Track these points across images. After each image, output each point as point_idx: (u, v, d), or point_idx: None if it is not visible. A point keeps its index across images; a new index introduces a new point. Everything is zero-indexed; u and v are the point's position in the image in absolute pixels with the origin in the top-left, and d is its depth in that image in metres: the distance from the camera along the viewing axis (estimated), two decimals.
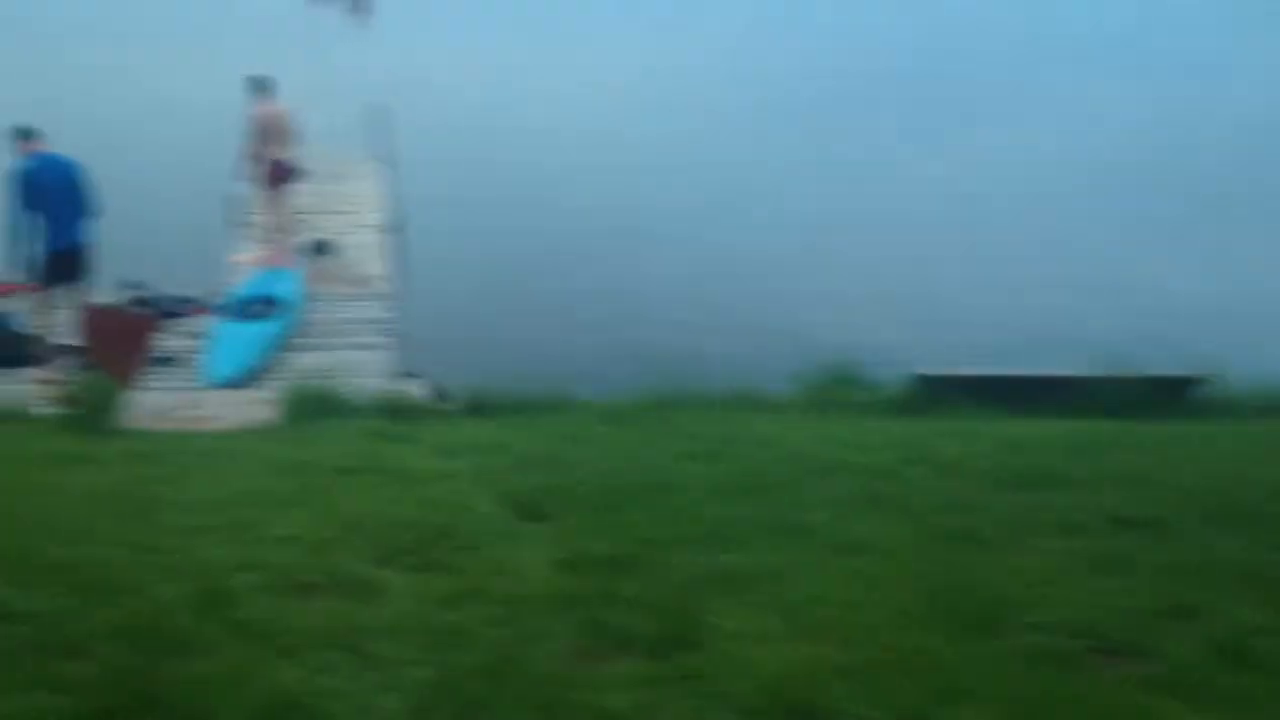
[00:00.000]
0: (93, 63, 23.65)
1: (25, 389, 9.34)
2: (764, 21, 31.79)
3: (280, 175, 12.75)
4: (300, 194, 13.44)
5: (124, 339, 9.89)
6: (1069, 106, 23.59)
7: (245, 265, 12.52)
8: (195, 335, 10.87)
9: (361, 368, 10.01)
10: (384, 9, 30.83)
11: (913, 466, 6.71)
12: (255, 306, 11.01)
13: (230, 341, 10.39)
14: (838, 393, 8.77)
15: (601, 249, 15.61)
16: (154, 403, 8.99)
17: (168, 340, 10.67)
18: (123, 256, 11.88)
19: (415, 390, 9.27)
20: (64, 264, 9.76)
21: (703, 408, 8.26)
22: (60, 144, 10.07)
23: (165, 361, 10.32)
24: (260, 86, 12.57)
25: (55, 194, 9.61)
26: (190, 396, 9.39)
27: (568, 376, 9.09)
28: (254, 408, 8.79)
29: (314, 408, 8.24)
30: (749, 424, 7.79)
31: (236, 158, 12.80)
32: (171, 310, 11.39)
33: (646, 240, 15.89)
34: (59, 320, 10.04)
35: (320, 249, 13.06)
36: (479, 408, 8.48)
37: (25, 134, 9.74)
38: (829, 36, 30.75)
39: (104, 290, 11.00)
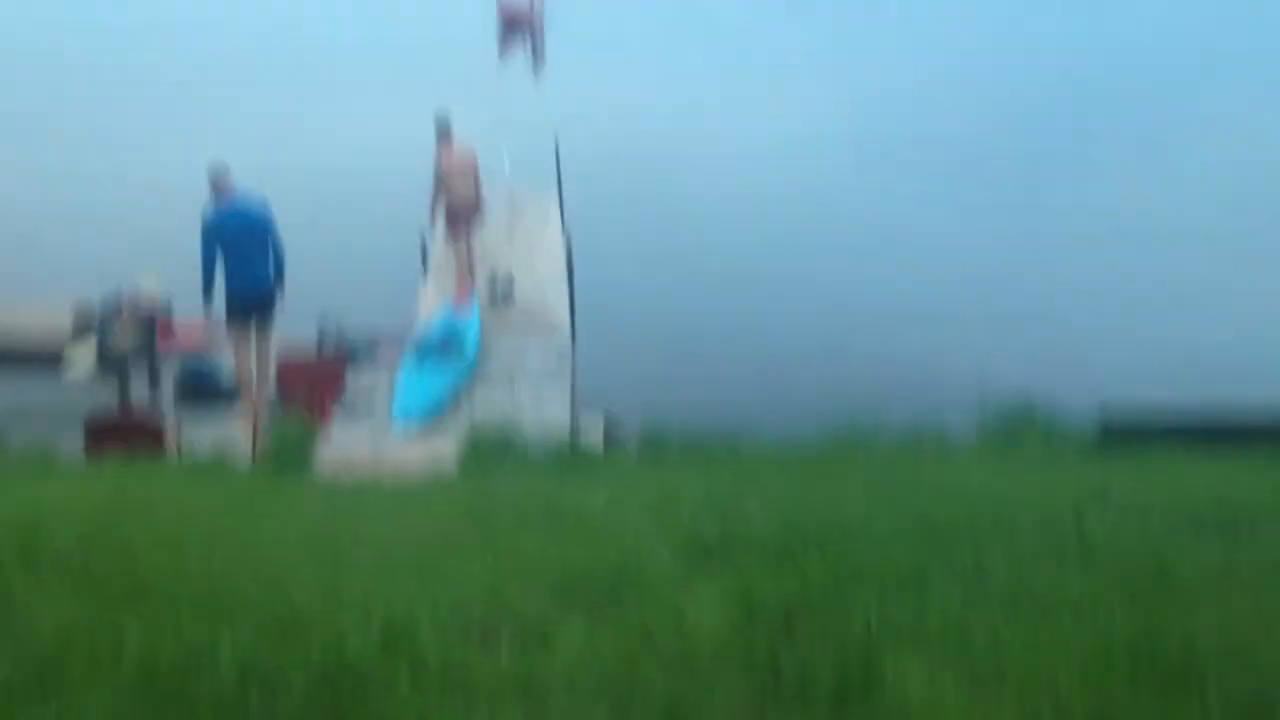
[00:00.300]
0: (286, 110, 24.70)
1: (220, 432, 9.76)
2: (937, 65, 31.32)
3: (463, 216, 13.13)
4: (482, 235, 13.84)
5: (315, 382, 10.27)
6: (1247, 131, 22.65)
7: (430, 307, 12.86)
8: (383, 378, 11.21)
9: (540, 408, 10.18)
10: (567, 52, 31.57)
11: (1099, 512, 6.46)
12: (440, 348, 11.30)
13: (415, 384, 10.68)
14: (1019, 435, 8.54)
15: (776, 288, 15.57)
16: (342, 445, 9.29)
17: (356, 383, 11.03)
18: (314, 301, 12.40)
19: (592, 431, 9.38)
20: (251, 306, 10.15)
21: (880, 450, 8.15)
22: (255, 188, 10.50)
23: (354, 404, 10.67)
24: (442, 128, 13.06)
25: (243, 238, 10.00)
26: (376, 438, 9.67)
27: (744, 416, 9.08)
28: (437, 449, 9.00)
29: (494, 450, 8.39)
30: (928, 468, 7.65)
31: (426, 201, 13.32)
32: (360, 353, 11.77)
33: (821, 279, 15.79)
34: (251, 364, 10.49)
35: (501, 290, 13.33)
36: (655, 449, 8.53)
37: (218, 173, 10.15)
38: (999, 69, 30.21)
39: (296, 334, 11.48)
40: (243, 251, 10.04)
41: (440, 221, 13.42)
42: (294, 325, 11.44)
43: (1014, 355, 12.98)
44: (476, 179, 13.18)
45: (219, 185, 10.11)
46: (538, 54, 31.59)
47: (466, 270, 13.28)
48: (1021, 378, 10.73)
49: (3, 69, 29.02)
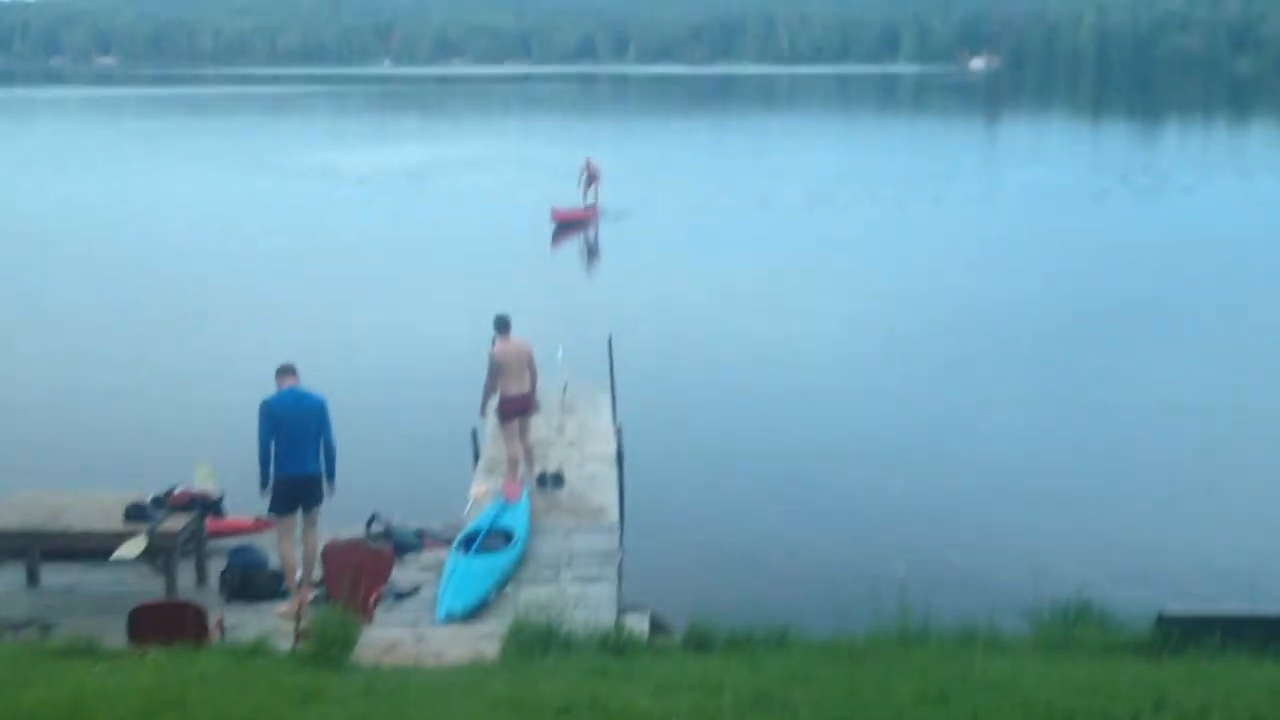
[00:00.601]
0: (340, 304, 25.47)
1: (265, 622, 9.77)
2: (983, 262, 31.95)
3: (516, 407, 13.31)
4: (534, 427, 14.01)
5: (362, 572, 10.25)
6: None
7: (479, 498, 12.93)
8: (429, 569, 11.22)
9: (586, 601, 10.13)
10: (621, 251, 32.54)
11: (1156, 715, 6.28)
12: (487, 540, 11.32)
13: (461, 575, 10.65)
14: (1074, 631, 8.35)
15: (822, 478, 15.57)
16: (387, 636, 9.24)
17: (403, 574, 11.04)
18: (362, 491, 12.55)
19: (637, 624, 9.29)
20: (300, 493, 10.51)
21: (931, 645, 8.00)
22: (312, 379, 10.90)
23: (399, 595, 10.66)
24: (501, 324, 13.35)
25: (297, 423, 10.40)
26: (421, 630, 9.61)
27: (792, 613, 8.99)
28: (480, 642, 8.94)
29: (538, 642, 8.32)
30: (980, 664, 7.47)
31: (480, 394, 13.50)
32: (407, 544, 11.80)
33: (869, 478, 15.75)
34: (296, 551, 10.61)
35: (550, 481, 13.41)
36: (701, 641, 8.45)
37: (285, 370, 10.62)
38: (1049, 261, 30.66)
39: (343, 523, 11.58)
40: (295, 436, 10.41)
41: (492, 414, 13.58)
42: (342, 514, 11.57)
43: (1069, 551, 12.78)
44: (532, 372, 13.39)
45: (283, 380, 10.55)
46: (591, 253, 32.67)
47: (517, 461, 13.41)
48: (1077, 574, 10.54)
49: (62, 260, 30.36)
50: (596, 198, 36.40)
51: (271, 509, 10.63)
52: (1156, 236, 34.31)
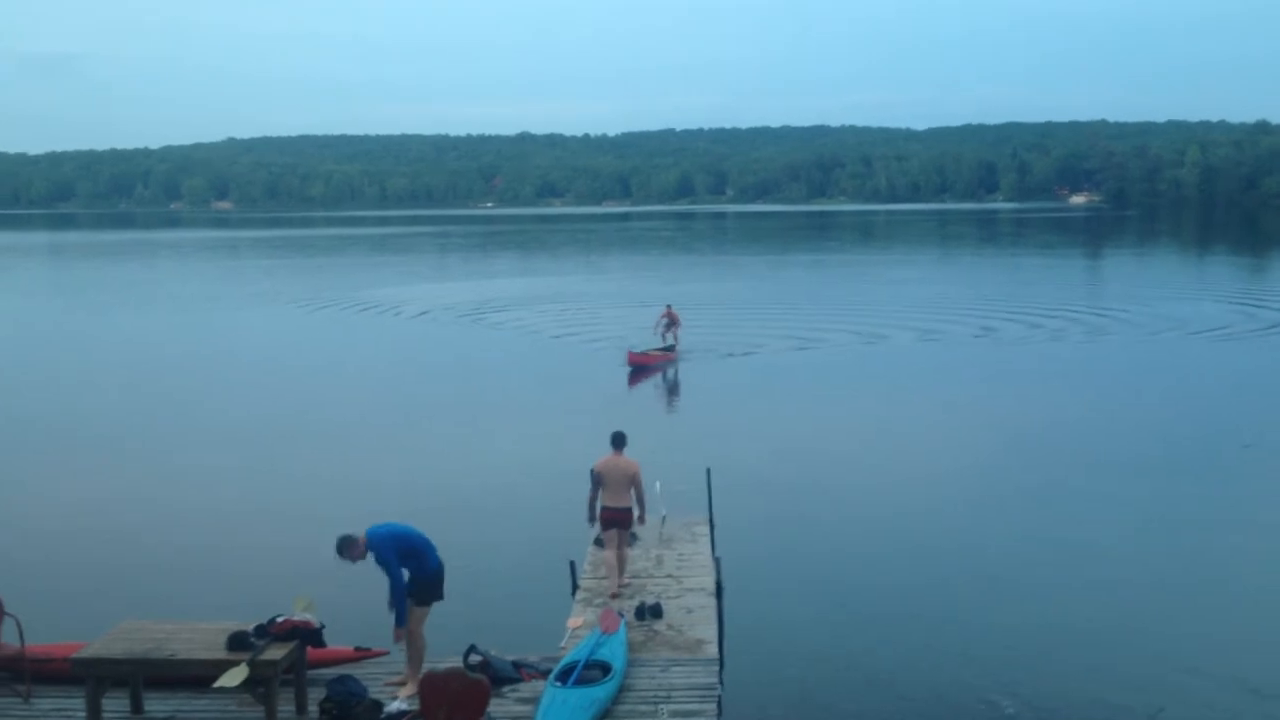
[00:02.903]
0: (436, 442, 25.88)
1: None
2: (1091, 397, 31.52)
3: (611, 518, 13.92)
4: (632, 556, 14.24)
5: (459, 703, 10.17)
6: None
7: (576, 630, 12.82)
8: (526, 701, 11.10)
9: None
10: (716, 384, 32.57)
11: None
12: (584, 672, 11.19)
13: (558, 708, 10.51)
14: None
15: (929, 613, 15.22)
16: None
17: (500, 705, 10.93)
18: (461, 620, 12.55)
19: None
20: (435, 585, 11.37)
21: None
22: (409, 512, 11.12)
23: None
24: (615, 440, 14.28)
25: (416, 541, 11.36)
26: None
27: None
28: None
29: None
30: None
31: (584, 512, 14.23)
32: (505, 675, 11.70)
33: (978, 603, 15.41)
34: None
35: (648, 612, 13.27)
36: None
37: (346, 543, 11.08)
38: (1156, 399, 30.10)
39: (441, 654, 11.56)
40: (419, 543, 11.35)
41: (592, 544, 13.76)
42: (439, 645, 11.56)
43: (1183, 678, 12.31)
44: (637, 489, 14.04)
45: (354, 553, 11.08)
46: (673, 389, 32.58)
47: (613, 566, 13.88)
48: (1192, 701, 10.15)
49: (155, 395, 31.18)
50: (677, 340, 36.65)
51: (418, 600, 11.34)
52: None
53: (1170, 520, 19.07)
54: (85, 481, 22.30)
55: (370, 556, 11.12)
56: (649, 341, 36.36)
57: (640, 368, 34.78)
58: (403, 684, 11.32)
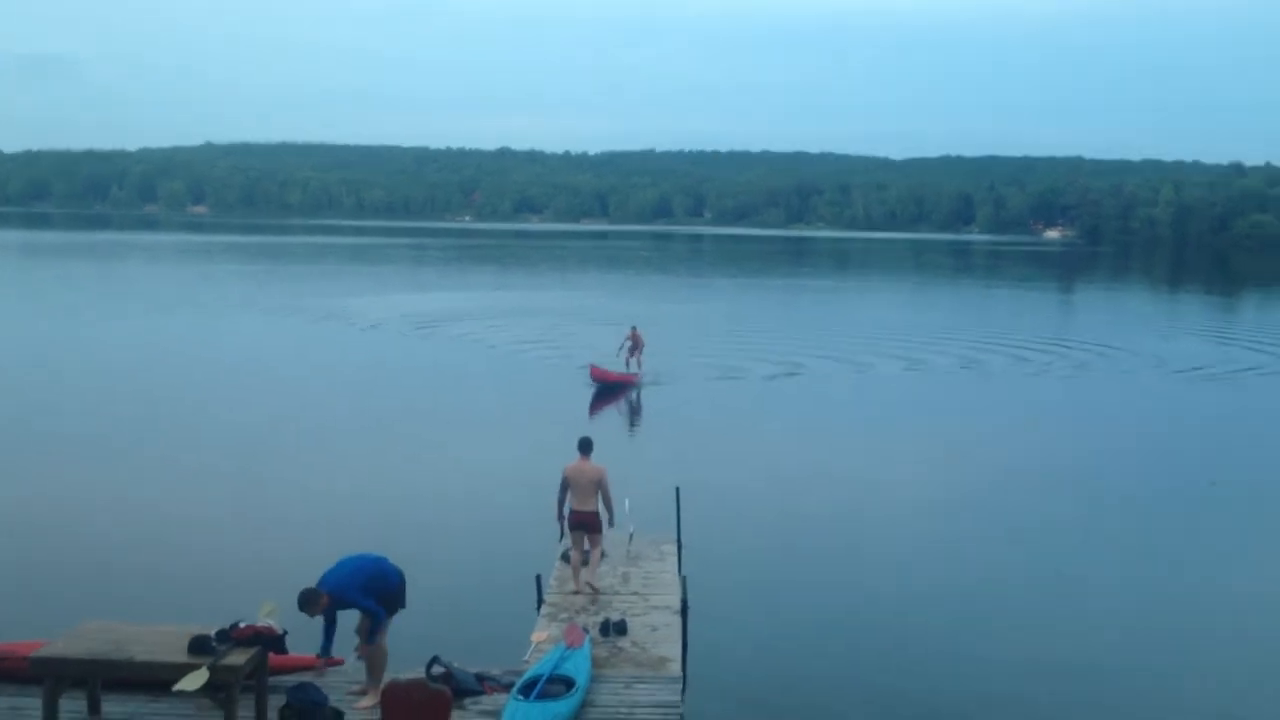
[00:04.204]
0: (411, 444, 25.72)
1: None
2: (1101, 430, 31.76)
3: (578, 521, 14.34)
4: (599, 575, 14.42)
5: (421, 714, 10.14)
6: None
7: (541, 644, 12.79)
8: (489, 713, 11.06)
9: None
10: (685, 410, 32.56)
11: None
12: (547, 686, 11.16)
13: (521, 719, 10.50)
14: None
15: (893, 638, 15.28)
16: None
17: (462, 718, 10.89)
18: (425, 632, 12.52)
19: None
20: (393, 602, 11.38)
21: None
22: (374, 525, 11.05)
23: None
24: (582, 445, 14.80)
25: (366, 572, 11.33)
26: None
27: None
28: None
29: None
30: None
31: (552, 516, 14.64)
32: (468, 687, 11.65)
33: (943, 630, 15.48)
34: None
35: (613, 629, 13.25)
36: None
37: (309, 599, 10.99)
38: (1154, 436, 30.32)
39: (403, 667, 11.51)
40: (375, 571, 11.38)
41: (557, 559, 13.83)
42: (403, 656, 11.52)
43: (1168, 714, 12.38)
44: (603, 493, 14.49)
45: (318, 608, 10.99)
46: (635, 412, 32.20)
47: (579, 566, 14.33)
48: None
49: (126, 402, 30.99)
50: (640, 366, 36.05)
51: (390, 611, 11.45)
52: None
53: (1146, 555, 19.22)
54: (51, 481, 22.12)
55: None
56: (614, 364, 35.94)
57: (604, 384, 34.46)
58: (363, 694, 11.28)
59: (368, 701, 11.10)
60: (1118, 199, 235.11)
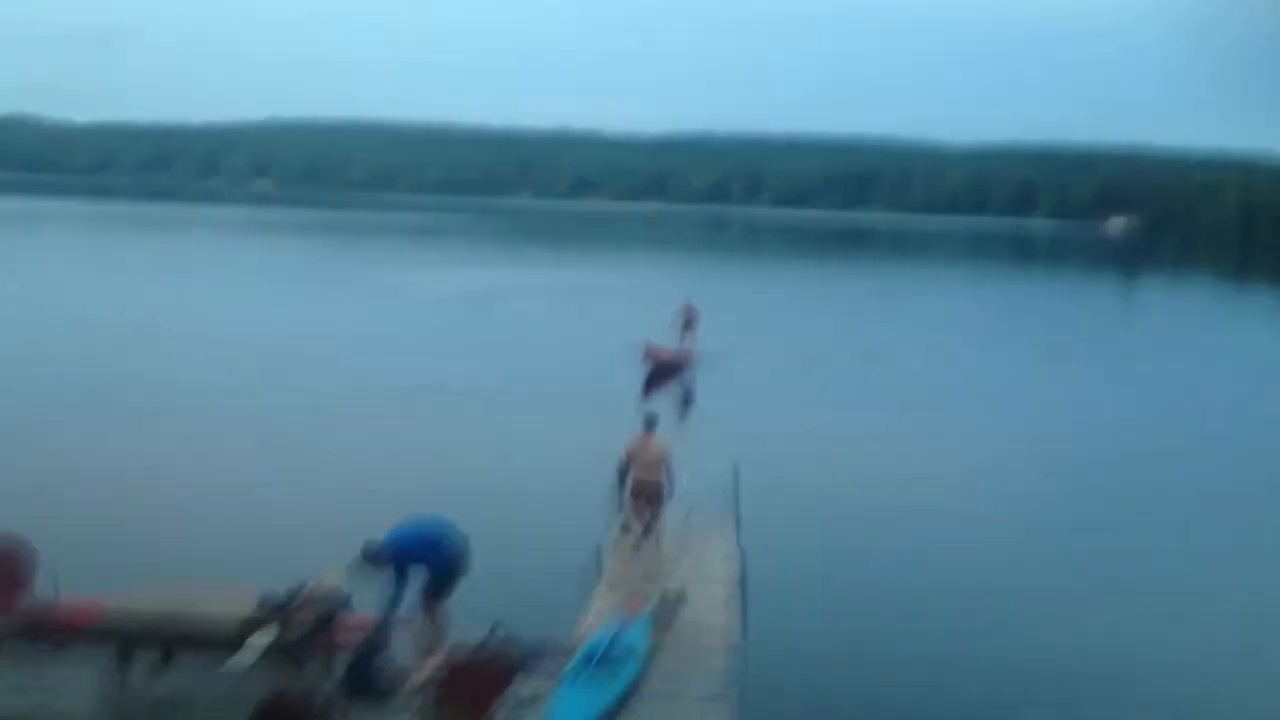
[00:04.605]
0: (470, 420, 26.02)
1: (387, 719, 9.80)
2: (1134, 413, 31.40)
3: (641, 490, 14.50)
4: (660, 551, 14.59)
5: (480, 682, 10.25)
6: None
7: (601, 614, 12.89)
8: (547, 682, 11.16)
9: None
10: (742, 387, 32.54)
11: None
12: (605, 656, 11.25)
13: (579, 691, 10.60)
14: None
15: (950, 616, 15.25)
16: None
17: (523, 684, 11.00)
18: (487, 600, 12.63)
19: None
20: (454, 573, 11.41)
21: None
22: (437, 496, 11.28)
23: (519, 705, 10.61)
24: (648, 421, 15.03)
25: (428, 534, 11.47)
26: None
27: None
28: None
29: None
30: None
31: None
32: (526, 656, 11.76)
33: (999, 609, 15.46)
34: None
35: (671, 601, 13.32)
36: None
37: (371, 553, 11.23)
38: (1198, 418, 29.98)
39: (463, 637, 11.63)
40: (436, 535, 11.50)
41: (616, 529, 14.21)
42: (465, 623, 11.65)
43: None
44: (667, 468, 14.56)
45: (376, 560, 11.21)
46: (689, 397, 31.74)
47: (637, 533, 14.51)
48: None
49: (194, 370, 31.43)
50: (695, 343, 35.52)
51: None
52: None
53: (1219, 554, 18.89)
54: (124, 446, 22.51)
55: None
56: (668, 340, 35.48)
57: (658, 364, 34.20)
58: (425, 659, 11.39)
59: (429, 666, 11.23)
60: (1183, 189, 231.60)
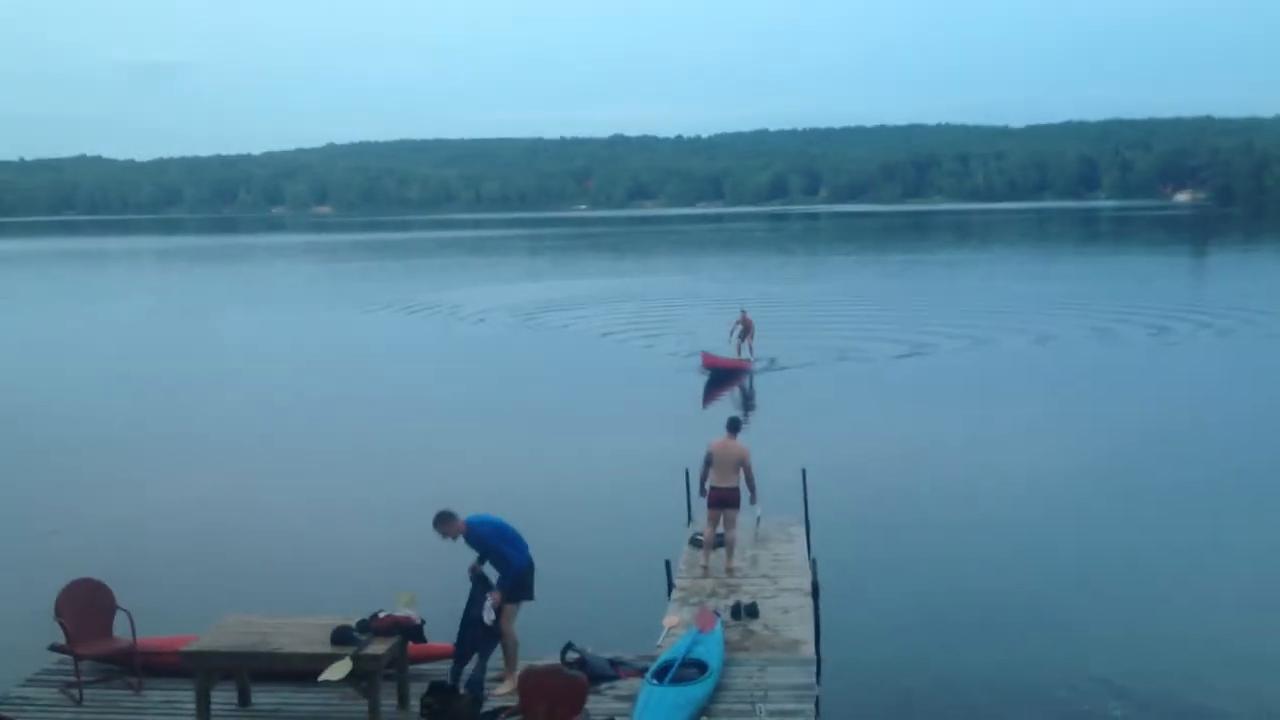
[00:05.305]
0: (533, 436, 26.23)
1: None
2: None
3: (717, 497, 14.63)
4: (738, 523, 14.86)
5: (557, 700, 10.25)
6: None
7: (673, 629, 12.85)
8: (624, 698, 11.16)
9: None
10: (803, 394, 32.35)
11: None
12: (680, 670, 11.21)
13: (655, 706, 10.55)
14: None
15: (1027, 614, 15.05)
16: None
17: (597, 703, 11.00)
18: (558, 619, 12.66)
19: None
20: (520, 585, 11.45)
21: None
22: (506, 513, 11.31)
23: None
24: (730, 424, 15.19)
25: (508, 532, 11.58)
26: None
27: None
28: None
29: None
30: None
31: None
32: (602, 673, 11.77)
33: (1080, 606, 15.22)
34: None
35: (744, 612, 13.26)
36: None
37: (445, 518, 11.36)
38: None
39: (540, 653, 11.66)
40: (516, 539, 11.52)
41: (688, 544, 14.07)
42: (537, 643, 11.68)
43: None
44: (746, 472, 14.73)
45: (451, 529, 11.35)
46: (748, 404, 31.53)
47: (711, 544, 14.67)
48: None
49: (284, 397, 31.82)
50: (752, 351, 35.27)
51: (512, 598, 11.44)
52: None
53: None
54: (190, 480, 22.83)
55: (461, 540, 11.39)
56: (725, 350, 35.29)
57: (717, 370, 34.10)
58: (500, 681, 11.46)
59: (505, 688, 11.29)
60: (1249, 157, 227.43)
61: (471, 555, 11.55)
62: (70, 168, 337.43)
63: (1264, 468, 22.37)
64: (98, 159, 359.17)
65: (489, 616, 11.31)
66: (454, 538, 11.39)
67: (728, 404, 30.72)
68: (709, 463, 14.80)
